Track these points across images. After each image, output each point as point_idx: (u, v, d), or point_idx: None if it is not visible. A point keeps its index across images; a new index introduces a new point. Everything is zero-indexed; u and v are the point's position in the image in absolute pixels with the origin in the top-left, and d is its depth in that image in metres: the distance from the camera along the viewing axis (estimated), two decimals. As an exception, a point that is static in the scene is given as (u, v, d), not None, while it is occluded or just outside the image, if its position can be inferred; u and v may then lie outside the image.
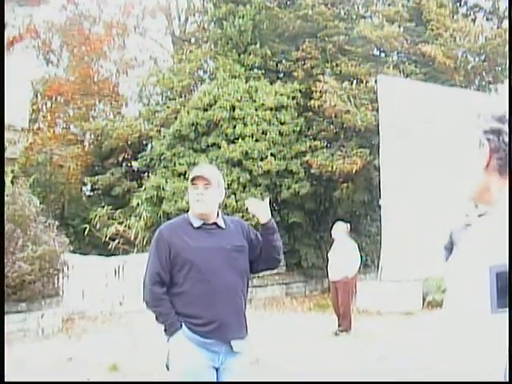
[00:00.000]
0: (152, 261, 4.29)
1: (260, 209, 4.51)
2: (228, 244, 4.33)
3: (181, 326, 4.18)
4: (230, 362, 4.30)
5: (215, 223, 4.40)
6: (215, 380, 4.28)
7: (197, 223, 4.35)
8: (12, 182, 14.11)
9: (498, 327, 1.59)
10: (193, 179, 4.38)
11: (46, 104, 25.45)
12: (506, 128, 1.82)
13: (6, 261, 10.62)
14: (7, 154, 18.09)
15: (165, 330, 4.25)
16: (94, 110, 25.33)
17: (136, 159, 21.81)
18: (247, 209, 4.79)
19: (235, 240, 4.40)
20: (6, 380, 6.22)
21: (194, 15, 26.27)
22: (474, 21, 19.73)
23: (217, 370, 4.28)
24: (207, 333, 4.20)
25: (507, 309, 1.57)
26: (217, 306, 4.22)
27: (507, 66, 17.07)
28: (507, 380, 1.60)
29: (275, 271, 17.94)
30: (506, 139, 1.82)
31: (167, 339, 4.26)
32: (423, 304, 15.13)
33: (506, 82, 17.15)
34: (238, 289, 4.40)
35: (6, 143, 18.08)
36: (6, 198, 11.98)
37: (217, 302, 4.22)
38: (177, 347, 4.21)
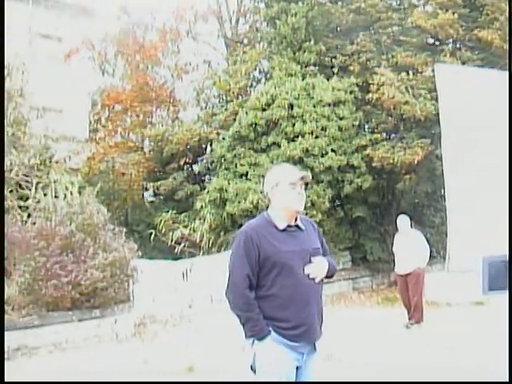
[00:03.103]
0: (241, 263, 4.22)
1: (320, 270, 4.40)
2: (309, 247, 4.34)
3: (269, 331, 4.17)
4: (309, 360, 4.35)
5: (297, 225, 4.40)
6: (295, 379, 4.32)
7: (282, 225, 4.32)
8: (79, 192, 14.37)
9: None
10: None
11: (104, 113, 25.90)
12: None
13: (78, 269, 10.85)
14: (71, 165, 18.52)
15: (251, 335, 4.22)
16: (152, 116, 25.64)
17: (197, 163, 22.05)
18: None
19: (314, 243, 4.42)
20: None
21: (245, 16, 26.36)
22: (530, 1, 19.37)
23: (297, 368, 4.32)
24: (295, 336, 4.20)
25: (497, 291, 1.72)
26: (306, 310, 4.24)
27: None
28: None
29: (341, 266, 17.92)
30: None
31: (251, 342, 4.23)
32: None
33: None
34: (320, 291, 4.43)
35: (71, 154, 18.51)
36: (74, 208, 12.24)
37: (306, 306, 4.23)
38: (266, 351, 4.19)
